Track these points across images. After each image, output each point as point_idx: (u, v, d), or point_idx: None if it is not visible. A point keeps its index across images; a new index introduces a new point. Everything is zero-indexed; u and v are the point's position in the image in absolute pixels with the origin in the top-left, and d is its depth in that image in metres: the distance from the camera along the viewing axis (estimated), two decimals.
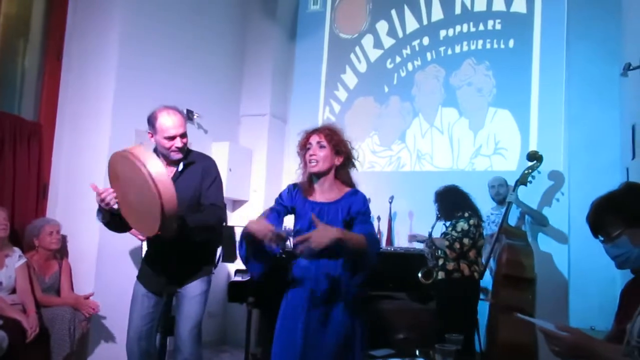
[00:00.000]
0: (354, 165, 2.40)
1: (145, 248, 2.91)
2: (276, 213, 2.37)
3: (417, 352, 2.45)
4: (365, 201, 2.33)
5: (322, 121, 5.51)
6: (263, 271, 2.32)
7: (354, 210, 2.29)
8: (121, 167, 2.35)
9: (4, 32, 3.75)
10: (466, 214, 3.71)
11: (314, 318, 2.24)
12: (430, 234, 3.88)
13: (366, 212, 2.31)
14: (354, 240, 2.12)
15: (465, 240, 3.64)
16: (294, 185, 2.43)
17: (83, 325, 3.47)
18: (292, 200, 2.38)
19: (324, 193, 2.34)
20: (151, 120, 2.61)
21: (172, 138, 2.58)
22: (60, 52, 3.94)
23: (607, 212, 1.70)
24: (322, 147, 2.32)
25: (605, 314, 3.88)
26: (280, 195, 2.43)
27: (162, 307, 2.73)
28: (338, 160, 2.34)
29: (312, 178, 2.36)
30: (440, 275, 3.67)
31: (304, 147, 2.37)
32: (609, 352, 1.61)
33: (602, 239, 1.74)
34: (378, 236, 2.27)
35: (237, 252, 2.34)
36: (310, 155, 2.32)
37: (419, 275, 3.76)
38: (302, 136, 2.41)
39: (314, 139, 2.34)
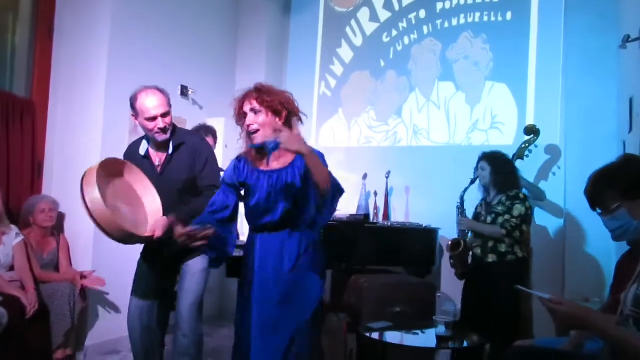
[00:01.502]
0: (300, 119, 2.23)
1: None
2: (222, 195, 2.25)
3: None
4: (322, 157, 2.14)
5: (317, 97, 5.47)
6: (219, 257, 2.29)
7: None
8: None
9: None
10: (521, 195, 3.44)
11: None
12: (462, 197, 3.73)
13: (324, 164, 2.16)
14: (319, 165, 2.00)
15: (524, 227, 3.40)
16: (239, 158, 2.26)
17: (82, 301, 3.49)
18: (239, 175, 2.23)
19: (276, 159, 2.19)
20: (132, 102, 2.57)
21: (154, 119, 2.53)
22: (51, 28, 3.87)
23: (605, 185, 1.71)
24: (257, 112, 2.13)
25: (601, 286, 3.95)
26: (225, 174, 2.29)
27: (164, 283, 2.75)
28: (279, 121, 2.16)
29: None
30: (492, 258, 3.41)
31: (240, 116, 2.19)
32: (602, 321, 1.63)
33: (600, 212, 1.75)
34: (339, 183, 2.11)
35: None
36: (248, 126, 2.13)
37: (449, 244, 3.60)
38: (235, 105, 2.21)
39: (247, 106, 2.15)
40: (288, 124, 2.18)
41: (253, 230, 2.27)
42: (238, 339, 2.28)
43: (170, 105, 2.61)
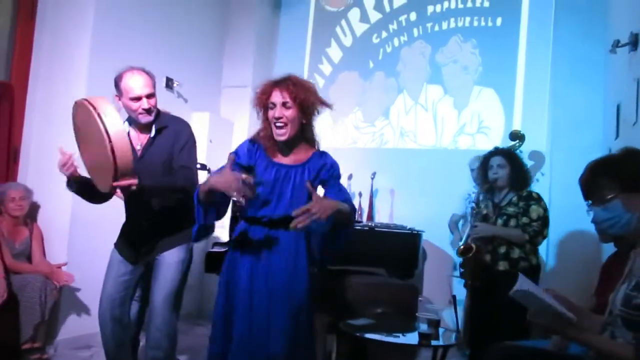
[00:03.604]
0: (318, 112, 2.18)
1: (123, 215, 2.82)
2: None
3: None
4: (336, 164, 2.17)
5: None
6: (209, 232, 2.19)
7: (326, 174, 2.14)
8: (80, 117, 2.27)
9: None
10: (534, 194, 3.12)
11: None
12: (478, 200, 3.33)
13: (339, 176, 2.18)
14: (345, 210, 2.01)
15: (546, 231, 3.04)
16: (252, 141, 2.19)
17: (54, 294, 3.37)
18: (251, 158, 2.16)
19: (290, 154, 2.16)
20: (117, 82, 2.51)
21: (138, 99, 2.47)
22: (34, 11, 3.75)
23: (604, 174, 1.65)
24: (288, 107, 2.07)
25: (581, 295, 3.93)
26: (236, 152, 2.18)
27: (138, 275, 2.65)
28: (305, 119, 2.12)
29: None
30: (503, 265, 3.07)
31: (264, 104, 2.11)
32: (583, 331, 1.60)
33: (589, 202, 1.69)
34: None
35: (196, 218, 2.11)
36: (276, 119, 2.06)
37: (460, 247, 3.28)
38: (262, 89, 2.12)
39: (277, 98, 2.07)
40: (310, 124, 2.16)
41: (247, 222, 2.20)
42: (217, 335, 2.19)
43: (155, 88, 2.56)
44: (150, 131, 2.56)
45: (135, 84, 2.47)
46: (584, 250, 3.95)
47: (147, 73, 2.54)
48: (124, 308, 2.60)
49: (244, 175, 1.89)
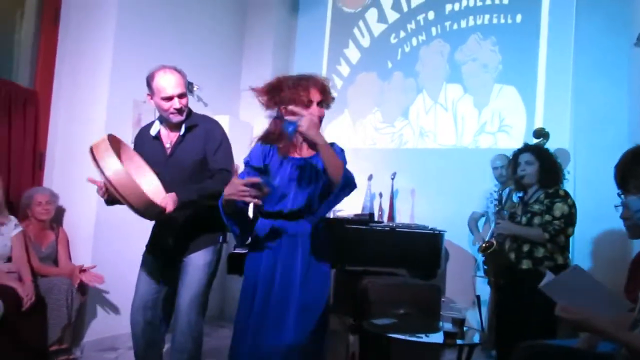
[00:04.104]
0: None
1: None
2: (245, 175, 2.18)
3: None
4: (342, 152, 2.18)
5: None
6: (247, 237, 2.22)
7: None
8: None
9: None
10: (561, 192, 3.01)
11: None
12: (500, 197, 3.37)
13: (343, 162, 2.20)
14: (333, 157, 1.98)
15: (570, 230, 2.96)
16: (263, 142, 2.22)
17: (80, 297, 3.42)
18: (265, 159, 2.19)
19: (304, 148, 2.18)
20: (148, 81, 2.52)
21: (170, 99, 2.47)
22: (57, 18, 3.84)
23: None
24: (321, 107, 2.13)
25: None
26: (249, 156, 2.22)
27: (169, 277, 2.64)
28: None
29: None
30: (526, 264, 2.99)
31: (297, 98, 2.08)
32: (611, 326, 1.55)
33: (621, 192, 1.64)
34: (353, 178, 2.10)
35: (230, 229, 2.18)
36: (318, 117, 2.09)
37: (482, 244, 3.28)
38: (297, 84, 2.10)
39: (315, 96, 2.10)
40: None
41: (265, 217, 2.23)
42: (238, 335, 2.21)
43: (186, 87, 2.56)
44: (179, 129, 2.57)
45: (167, 83, 2.47)
46: (610, 248, 3.88)
47: (179, 72, 2.54)
48: (155, 310, 2.60)
49: (248, 180, 1.95)
